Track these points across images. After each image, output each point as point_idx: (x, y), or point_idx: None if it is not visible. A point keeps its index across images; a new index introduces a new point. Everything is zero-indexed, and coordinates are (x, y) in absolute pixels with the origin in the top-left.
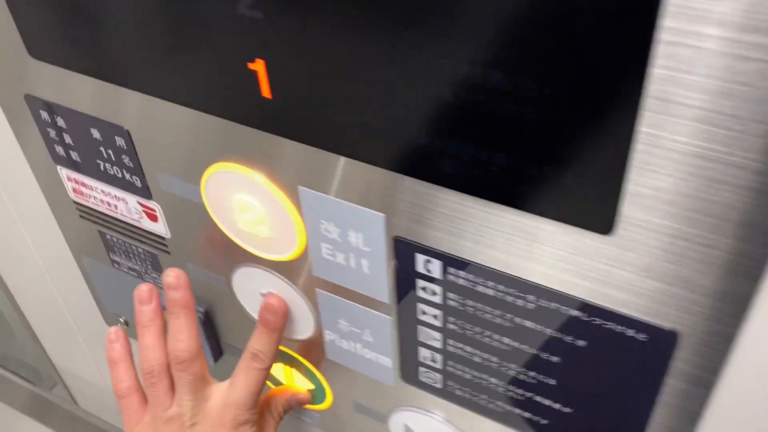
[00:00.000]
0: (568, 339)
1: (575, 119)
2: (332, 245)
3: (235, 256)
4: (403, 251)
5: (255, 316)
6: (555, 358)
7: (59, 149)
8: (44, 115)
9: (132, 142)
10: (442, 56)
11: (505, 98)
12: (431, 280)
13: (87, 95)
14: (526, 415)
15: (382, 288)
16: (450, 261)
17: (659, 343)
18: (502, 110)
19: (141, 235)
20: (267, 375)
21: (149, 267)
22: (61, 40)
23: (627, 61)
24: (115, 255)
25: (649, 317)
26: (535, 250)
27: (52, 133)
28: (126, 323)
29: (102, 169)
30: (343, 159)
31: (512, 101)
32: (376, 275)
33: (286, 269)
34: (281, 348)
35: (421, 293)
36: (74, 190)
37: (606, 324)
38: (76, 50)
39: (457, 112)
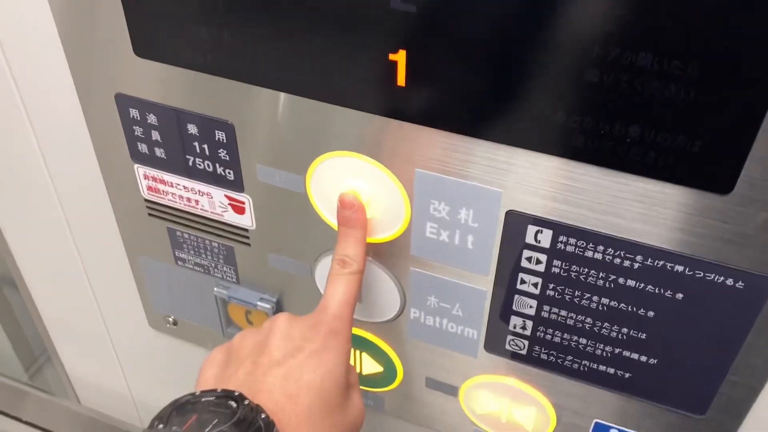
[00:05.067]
0: (668, 294)
1: (715, 96)
2: (438, 224)
3: (327, 241)
4: (515, 224)
5: None
6: (650, 313)
7: (142, 147)
8: (134, 113)
9: (234, 136)
10: (589, 42)
11: (650, 77)
12: (538, 249)
13: (186, 92)
14: (610, 370)
15: (483, 262)
16: (562, 229)
17: (755, 290)
18: (645, 88)
19: (219, 229)
20: (359, 281)
21: (221, 261)
22: (176, 38)
23: None
24: (183, 252)
25: (753, 267)
26: (652, 212)
27: (138, 131)
28: (175, 323)
29: (190, 164)
30: (460, 139)
31: (656, 80)
32: (480, 250)
33: (378, 251)
34: (354, 331)
35: (525, 263)
36: (149, 188)
37: (708, 276)
38: (191, 47)
39: (595, 90)
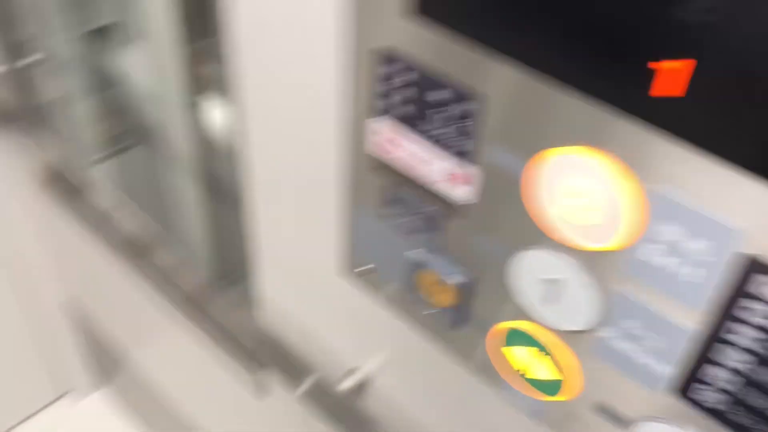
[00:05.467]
0: None
1: None
2: (663, 248)
3: (535, 235)
4: (749, 269)
5: (523, 295)
6: None
7: (382, 103)
8: (390, 68)
9: (480, 111)
10: None
11: None
12: None
13: (442, 58)
14: None
15: (700, 300)
16: None
17: None
18: None
19: (434, 197)
20: None
21: (425, 227)
22: (460, 4)
23: None
24: (392, 210)
25: None
26: None
27: (387, 86)
28: (365, 275)
29: (425, 129)
30: (715, 166)
31: None
32: (700, 287)
33: (590, 259)
34: (538, 334)
35: (747, 315)
36: (378, 144)
37: None
38: (469, 16)
39: None
